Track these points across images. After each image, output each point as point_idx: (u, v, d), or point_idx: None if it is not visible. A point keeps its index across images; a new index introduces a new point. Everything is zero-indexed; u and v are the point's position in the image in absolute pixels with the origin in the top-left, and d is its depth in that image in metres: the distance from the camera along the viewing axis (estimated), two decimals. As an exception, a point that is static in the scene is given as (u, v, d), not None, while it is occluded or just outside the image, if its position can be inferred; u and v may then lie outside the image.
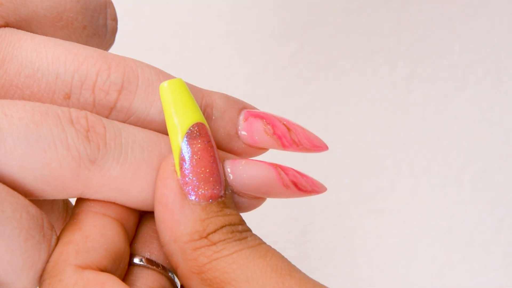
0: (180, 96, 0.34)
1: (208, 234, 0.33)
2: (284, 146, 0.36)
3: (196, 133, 0.34)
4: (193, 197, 0.33)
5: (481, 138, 0.66)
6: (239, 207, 0.36)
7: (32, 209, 0.32)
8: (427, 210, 0.65)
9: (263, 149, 0.37)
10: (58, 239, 0.33)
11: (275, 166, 0.35)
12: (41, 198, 0.33)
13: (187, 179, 0.33)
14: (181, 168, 0.33)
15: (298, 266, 0.64)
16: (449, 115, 0.67)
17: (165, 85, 0.34)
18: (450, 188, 0.65)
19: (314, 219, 0.65)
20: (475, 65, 0.67)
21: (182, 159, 0.33)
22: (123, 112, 0.34)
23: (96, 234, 0.34)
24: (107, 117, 0.34)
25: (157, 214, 0.34)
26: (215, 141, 0.36)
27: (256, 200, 0.36)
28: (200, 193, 0.33)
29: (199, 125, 0.34)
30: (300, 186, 0.36)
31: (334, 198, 0.65)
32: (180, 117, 0.34)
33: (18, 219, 0.31)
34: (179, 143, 0.33)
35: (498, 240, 0.64)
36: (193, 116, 0.34)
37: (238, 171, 0.35)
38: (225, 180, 0.34)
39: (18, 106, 0.32)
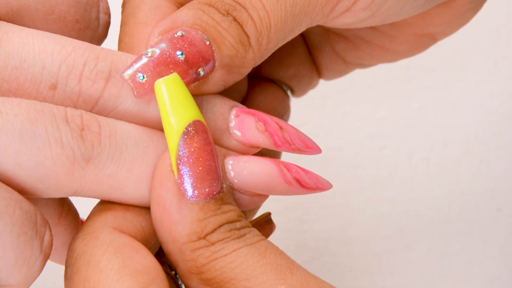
0: (176, 93, 0.33)
1: (206, 235, 0.32)
2: (276, 145, 0.36)
3: (193, 132, 0.33)
4: (190, 197, 0.33)
5: (479, 127, 0.66)
6: (240, 204, 0.35)
7: (26, 204, 0.31)
8: (425, 200, 0.65)
9: (255, 147, 0.36)
10: (89, 215, 0.33)
11: (277, 163, 0.35)
12: (35, 196, 0.33)
13: (184, 179, 0.33)
14: (178, 168, 0.33)
15: (296, 255, 0.64)
16: (447, 105, 0.66)
17: (160, 81, 0.33)
18: (448, 177, 0.65)
19: (311, 208, 0.65)
20: (473, 54, 0.67)
21: (179, 159, 0.33)
22: (111, 100, 0.34)
23: (136, 210, 0.34)
24: (93, 106, 0.34)
25: (154, 214, 0.33)
26: None
27: (258, 197, 0.35)
28: (197, 192, 0.33)
29: (196, 123, 0.33)
30: (304, 183, 0.35)
31: (331, 188, 0.65)
32: (176, 116, 0.33)
33: (11, 215, 0.31)
34: (176, 143, 0.33)
35: (496, 229, 0.64)
36: (190, 114, 0.33)
37: (239, 168, 0.34)
38: (223, 174, 0.34)
39: (13, 104, 0.32)
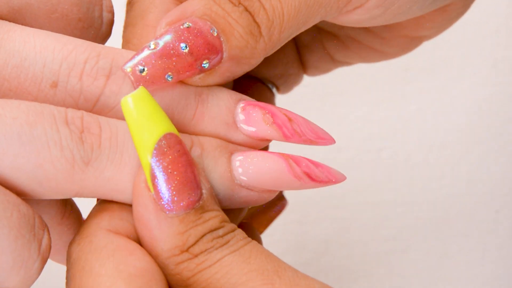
0: (144, 108, 0.32)
1: (189, 247, 0.32)
2: (285, 137, 0.35)
3: (164, 147, 0.32)
4: (170, 211, 0.32)
5: (478, 129, 0.66)
6: (249, 201, 0.34)
7: (24, 207, 0.31)
8: (424, 202, 0.65)
9: (265, 140, 0.35)
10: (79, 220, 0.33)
11: (286, 158, 0.34)
12: (34, 198, 0.33)
13: (161, 194, 0.32)
14: (153, 183, 0.32)
15: (295, 257, 0.64)
16: (445, 106, 0.66)
17: (127, 97, 0.32)
18: (447, 179, 0.65)
19: (310, 210, 0.65)
20: (472, 56, 0.67)
21: (153, 176, 0.32)
22: (112, 97, 0.33)
23: (131, 208, 0.33)
24: (95, 103, 0.33)
25: (137, 230, 0.33)
26: (212, 130, 0.35)
27: (267, 193, 0.35)
28: (176, 205, 0.32)
29: (167, 137, 0.32)
30: (314, 176, 0.34)
31: (330, 190, 0.65)
32: (146, 132, 0.32)
33: (8, 218, 0.30)
34: (148, 160, 0.32)
35: (494, 231, 0.64)
36: (160, 128, 0.32)
37: (246, 164, 0.34)
38: (201, 179, 0.33)
39: (12, 106, 0.32)
